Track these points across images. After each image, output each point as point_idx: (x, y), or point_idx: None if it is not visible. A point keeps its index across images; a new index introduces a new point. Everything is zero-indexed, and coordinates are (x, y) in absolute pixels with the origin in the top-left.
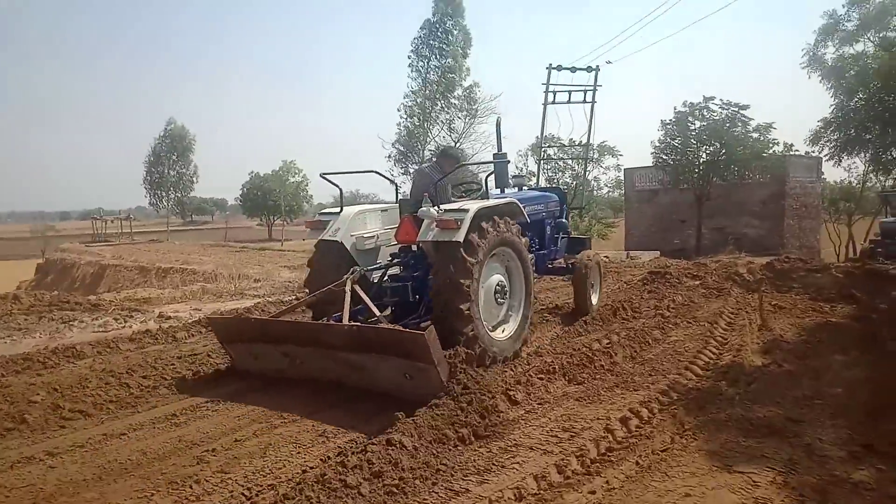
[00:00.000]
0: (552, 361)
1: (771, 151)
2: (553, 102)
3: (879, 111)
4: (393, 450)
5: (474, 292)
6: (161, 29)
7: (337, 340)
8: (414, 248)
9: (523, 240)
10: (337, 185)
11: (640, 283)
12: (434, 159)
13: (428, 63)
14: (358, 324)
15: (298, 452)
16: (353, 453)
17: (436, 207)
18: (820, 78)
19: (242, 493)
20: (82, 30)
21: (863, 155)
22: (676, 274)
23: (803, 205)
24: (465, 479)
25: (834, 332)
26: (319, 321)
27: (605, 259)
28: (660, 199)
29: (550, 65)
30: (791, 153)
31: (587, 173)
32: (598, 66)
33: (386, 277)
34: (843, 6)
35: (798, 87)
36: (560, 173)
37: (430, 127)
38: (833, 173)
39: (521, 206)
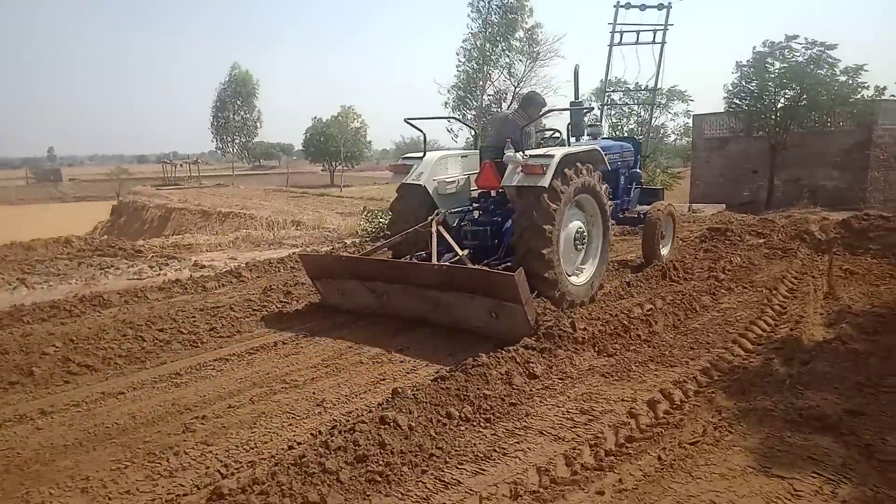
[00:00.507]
0: (583, 329)
1: (859, 96)
2: (620, 43)
3: None
4: (385, 429)
5: (556, 238)
6: None
7: (426, 279)
8: (493, 193)
9: (603, 187)
10: (421, 130)
11: (696, 240)
12: (516, 106)
13: (489, 3)
14: (448, 264)
15: (290, 424)
16: (340, 432)
17: (521, 153)
18: None
19: (218, 471)
20: None
21: None
22: (738, 231)
23: (893, 155)
24: (460, 466)
25: None
26: (403, 259)
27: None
28: (730, 148)
29: (618, 2)
30: (883, 97)
31: (654, 120)
32: (669, 2)
33: (465, 221)
34: None
35: None
36: (625, 119)
37: (490, 71)
38: None
39: (602, 153)
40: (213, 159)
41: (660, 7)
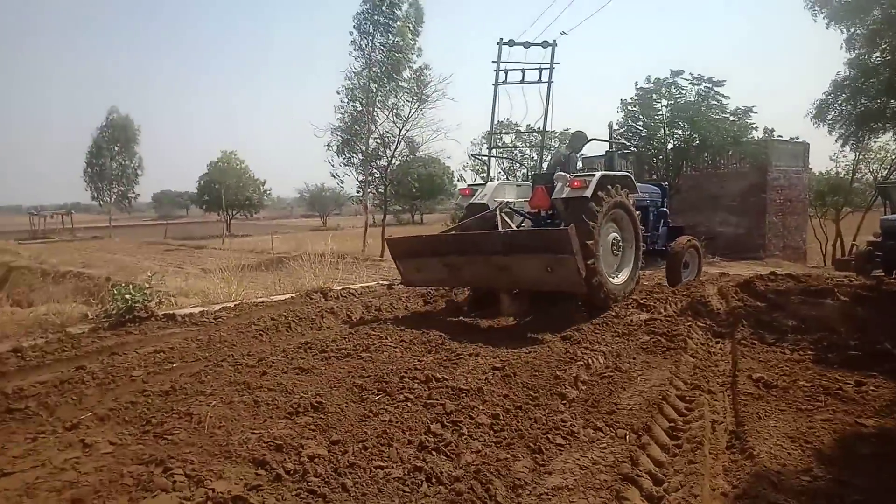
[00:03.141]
0: None
1: (750, 137)
2: (505, 83)
3: None
4: None
5: (596, 245)
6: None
7: (493, 245)
8: (543, 213)
9: (634, 211)
10: (484, 162)
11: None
12: (565, 141)
13: (372, 41)
14: (512, 229)
15: None
16: None
17: (567, 174)
18: (827, 22)
19: None
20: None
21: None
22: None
23: (787, 198)
24: None
25: (879, 466)
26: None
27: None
28: None
29: (501, 39)
30: (774, 138)
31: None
32: (554, 40)
33: None
34: None
35: (787, 57)
36: (517, 164)
37: (376, 112)
38: (817, 163)
39: (633, 179)
40: (84, 210)
41: (544, 45)
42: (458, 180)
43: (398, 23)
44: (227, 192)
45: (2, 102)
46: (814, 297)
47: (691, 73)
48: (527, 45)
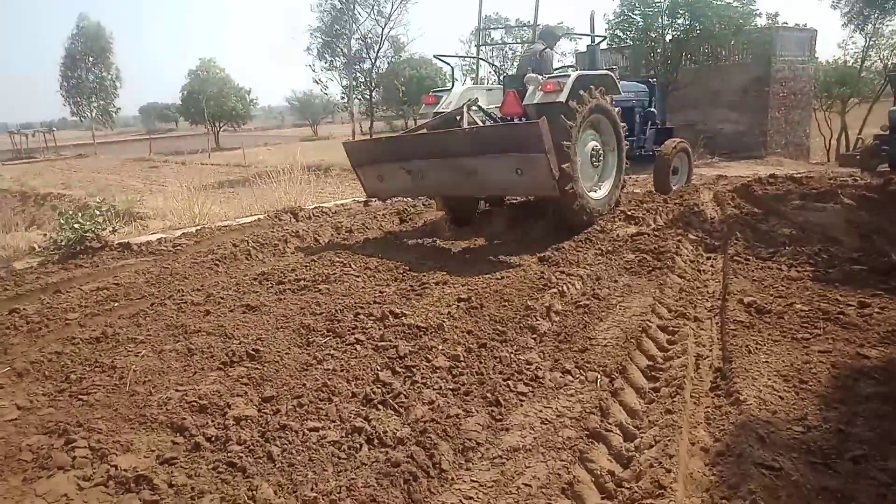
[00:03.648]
0: None
1: (753, 24)
2: None
3: None
4: None
5: (573, 153)
6: None
7: (458, 145)
8: (516, 119)
9: (616, 110)
10: (449, 64)
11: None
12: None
13: None
14: (477, 125)
15: None
16: None
17: (540, 76)
18: None
19: None
20: None
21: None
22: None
23: (792, 91)
24: None
25: (882, 410)
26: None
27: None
28: None
29: None
30: (779, 24)
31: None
32: None
33: None
34: None
35: None
36: (508, 62)
37: (356, 9)
38: (824, 51)
39: (615, 78)
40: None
41: None
42: (450, 81)
43: None
44: (208, 103)
45: None
46: (816, 200)
47: None
48: None
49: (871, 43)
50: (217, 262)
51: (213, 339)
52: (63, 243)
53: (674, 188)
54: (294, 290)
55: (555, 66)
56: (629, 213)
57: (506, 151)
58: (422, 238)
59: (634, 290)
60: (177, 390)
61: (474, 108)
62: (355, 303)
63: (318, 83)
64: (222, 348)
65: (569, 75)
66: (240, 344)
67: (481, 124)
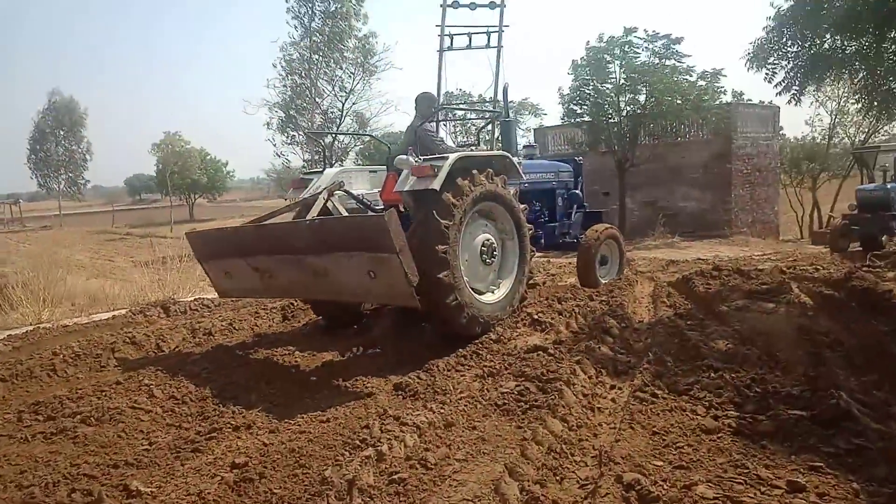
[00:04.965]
0: None
1: (719, 101)
2: (451, 48)
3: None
4: None
5: (455, 255)
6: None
7: (302, 240)
8: (402, 207)
9: (513, 193)
10: (322, 143)
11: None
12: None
13: (312, 8)
14: (319, 217)
15: None
16: None
17: (415, 157)
18: None
19: None
20: None
21: (839, 84)
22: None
23: (756, 168)
24: None
25: None
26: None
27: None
28: None
29: (445, 0)
30: (740, 101)
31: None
32: (503, 0)
33: None
34: None
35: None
36: (471, 137)
37: (322, 86)
38: (792, 127)
39: (515, 160)
40: (37, 199)
41: (491, 6)
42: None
43: None
44: (172, 176)
45: None
46: (764, 299)
47: (646, 31)
48: (473, 6)
49: (837, 121)
50: (11, 379)
51: None
52: None
53: (603, 281)
54: (50, 433)
55: (458, 144)
56: (536, 315)
57: (356, 249)
58: (285, 346)
59: (486, 450)
60: None
61: (340, 193)
62: (97, 462)
63: (279, 157)
64: None
65: (446, 157)
66: None
67: (342, 214)
